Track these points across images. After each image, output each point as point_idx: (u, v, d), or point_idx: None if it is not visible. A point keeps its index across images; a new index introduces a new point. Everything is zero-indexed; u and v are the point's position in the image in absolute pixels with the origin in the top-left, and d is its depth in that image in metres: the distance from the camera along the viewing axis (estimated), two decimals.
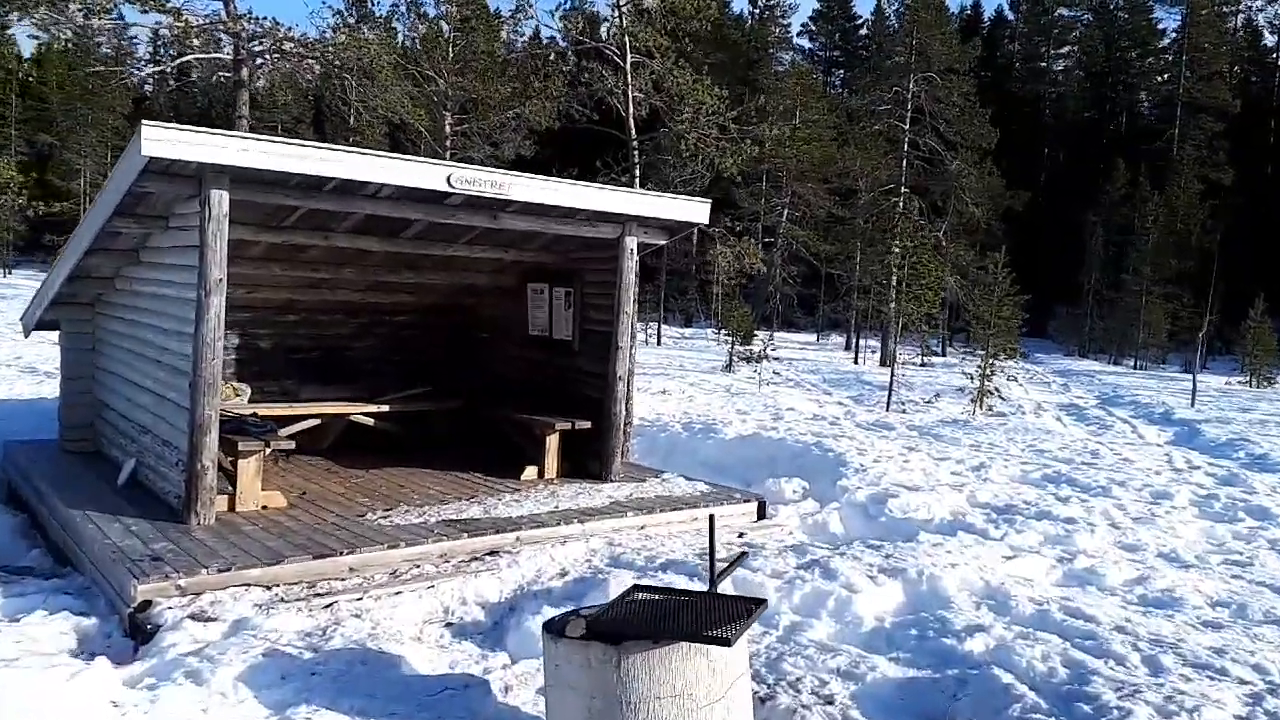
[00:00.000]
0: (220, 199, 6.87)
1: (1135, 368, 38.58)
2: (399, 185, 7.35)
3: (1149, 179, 47.05)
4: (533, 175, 8.03)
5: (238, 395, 9.92)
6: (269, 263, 8.97)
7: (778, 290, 40.82)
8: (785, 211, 39.11)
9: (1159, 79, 61.20)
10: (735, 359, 23.14)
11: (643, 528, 7.99)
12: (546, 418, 9.37)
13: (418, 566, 6.73)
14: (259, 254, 8.85)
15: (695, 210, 9.10)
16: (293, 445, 7.63)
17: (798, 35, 68.07)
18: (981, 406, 18.25)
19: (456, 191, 7.56)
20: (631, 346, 9.49)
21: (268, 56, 17.19)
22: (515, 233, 9.14)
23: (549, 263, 10.06)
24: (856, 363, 31.56)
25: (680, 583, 6.24)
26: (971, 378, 18.50)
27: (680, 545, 7.54)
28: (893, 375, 18.78)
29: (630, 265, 9.22)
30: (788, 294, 41.70)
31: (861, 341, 33.77)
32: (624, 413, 9.38)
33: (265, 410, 9.31)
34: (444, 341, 11.65)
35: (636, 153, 18.46)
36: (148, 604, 5.74)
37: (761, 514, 8.76)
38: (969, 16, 66.79)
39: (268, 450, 7.53)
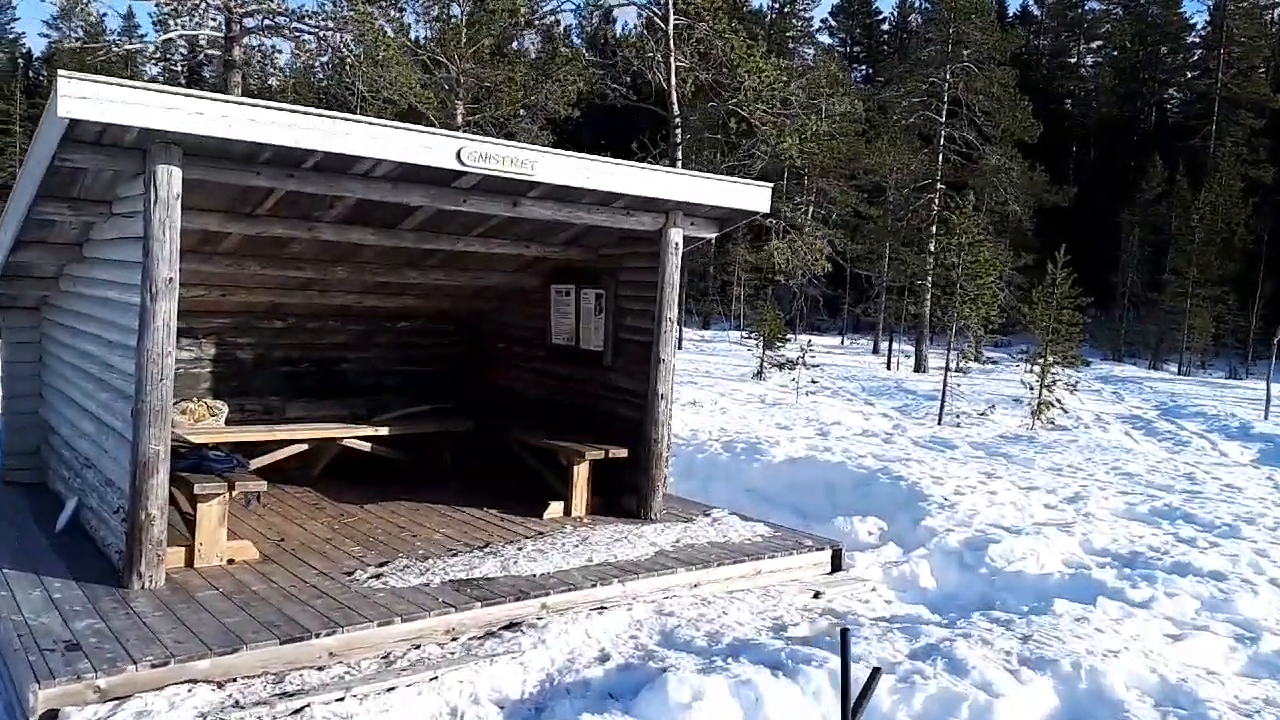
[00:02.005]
0: (169, 177, 5.41)
1: (1180, 373, 36.82)
2: (398, 162, 5.88)
3: (1187, 177, 45.19)
4: (561, 151, 6.54)
5: (213, 415, 8.47)
6: (245, 259, 7.50)
7: (803, 291, 39.24)
8: (810, 209, 37.51)
9: (1190, 74, 59.29)
10: (766, 365, 21.60)
11: (696, 586, 6.48)
12: (574, 444, 7.88)
13: (417, 648, 5.24)
14: (232, 248, 7.38)
15: (753, 196, 7.58)
16: (264, 486, 6.15)
17: (818, 31, 66.38)
18: (1041, 419, 16.67)
19: (469, 170, 6.08)
20: (674, 359, 7.99)
21: (261, 33, 15.78)
22: (539, 223, 7.66)
23: (577, 260, 8.57)
24: (889, 368, 29.96)
25: (763, 679, 4.72)
26: (1031, 387, 16.91)
27: (747, 613, 6.03)
28: (945, 385, 17.22)
29: (674, 263, 7.73)
30: (813, 295, 40.12)
31: (894, 345, 32.13)
32: (666, 438, 7.88)
33: (239, 435, 7.86)
34: (454, 353, 10.17)
35: (679, 131, 16.67)
36: (53, 715, 4.27)
37: (836, 564, 7.24)
38: (994, 11, 64.88)
39: (233, 493, 6.05)
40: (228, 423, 8.50)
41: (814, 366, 19.47)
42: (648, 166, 7.08)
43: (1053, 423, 16.66)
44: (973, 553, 7.48)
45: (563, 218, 7.15)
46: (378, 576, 5.96)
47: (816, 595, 6.62)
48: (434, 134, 5.97)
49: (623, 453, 7.84)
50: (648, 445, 7.76)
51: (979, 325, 18.58)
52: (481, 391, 9.87)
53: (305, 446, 8.26)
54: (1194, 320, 37.34)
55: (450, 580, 5.93)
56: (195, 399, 8.54)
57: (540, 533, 7.21)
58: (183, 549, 6.04)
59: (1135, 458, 13.28)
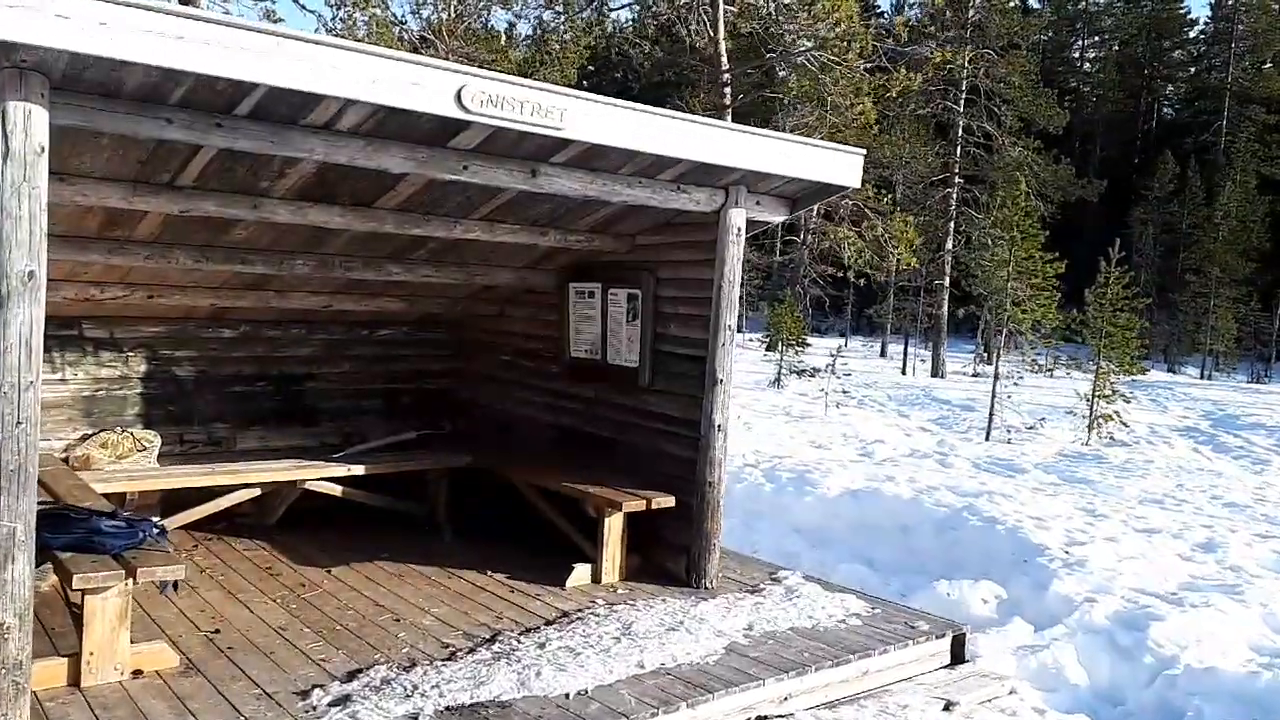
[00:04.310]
0: (26, 120, 3.61)
1: (1203, 376, 35.27)
2: (373, 104, 4.09)
3: (1199, 174, 43.73)
4: (600, 97, 4.74)
5: (141, 449, 6.67)
6: (172, 249, 5.67)
7: (805, 292, 37.44)
8: (816, 206, 35.73)
9: (1192, 70, 57.92)
10: (785, 372, 19.83)
11: (786, 699, 4.69)
12: (606, 490, 6.08)
13: None
14: (152, 234, 5.55)
15: (841, 166, 5.80)
16: (181, 572, 4.31)
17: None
18: (1099, 433, 14.96)
19: (473, 119, 4.29)
20: (732, 379, 6.20)
21: None
22: (562, 202, 5.86)
23: (605, 252, 6.77)
24: (905, 373, 28.28)
25: None
26: (1088, 398, 15.21)
27: None
28: (994, 396, 15.48)
29: (735, 254, 5.96)
30: (816, 295, 38.33)
31: (908, 349, 30.44)
32: (723, 480, 6.09)
33: (166, 479, 6.07)
34: (446, 369, 8.36)
35: (728, 92, 14.55)
36: None
37: (958, 654, 5.47)
38: None
39: (134, 582, 4.21)
40: (161, 458, 6.72)
41: (847, 375, 17.74)
42: (709, 121, 5.28)
43: (1113, 438, 14.96)
44: (1129, 633, 5.72)
45: (594, 193, 5.35)
46: (343, 701, 4.15)
47: (948, 707, 4.85)
48: (424, 64, 4.16)
49: (668, 501, 6.05)
50: (701, 491, 5.97)
51: (1029, 330, 16.82)
52: (480, 417, 8.08)
53: (257, 491, 6.45)
54: (1216, 321, 35.73)
55: (448, 707, 4.12)
56: (119, 429, 6.75)
57: (564, 613, 5.41)
58: (66, 660, 4.23)
59: (1230, 482, 11.59)
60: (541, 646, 4.80)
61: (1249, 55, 50.68)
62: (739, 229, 5.91)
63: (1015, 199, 17.17)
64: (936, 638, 5.37)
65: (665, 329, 6.47)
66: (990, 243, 24.03)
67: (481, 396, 8.14)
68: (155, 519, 5.01)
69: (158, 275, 6.13)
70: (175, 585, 4.40)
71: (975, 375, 28.87)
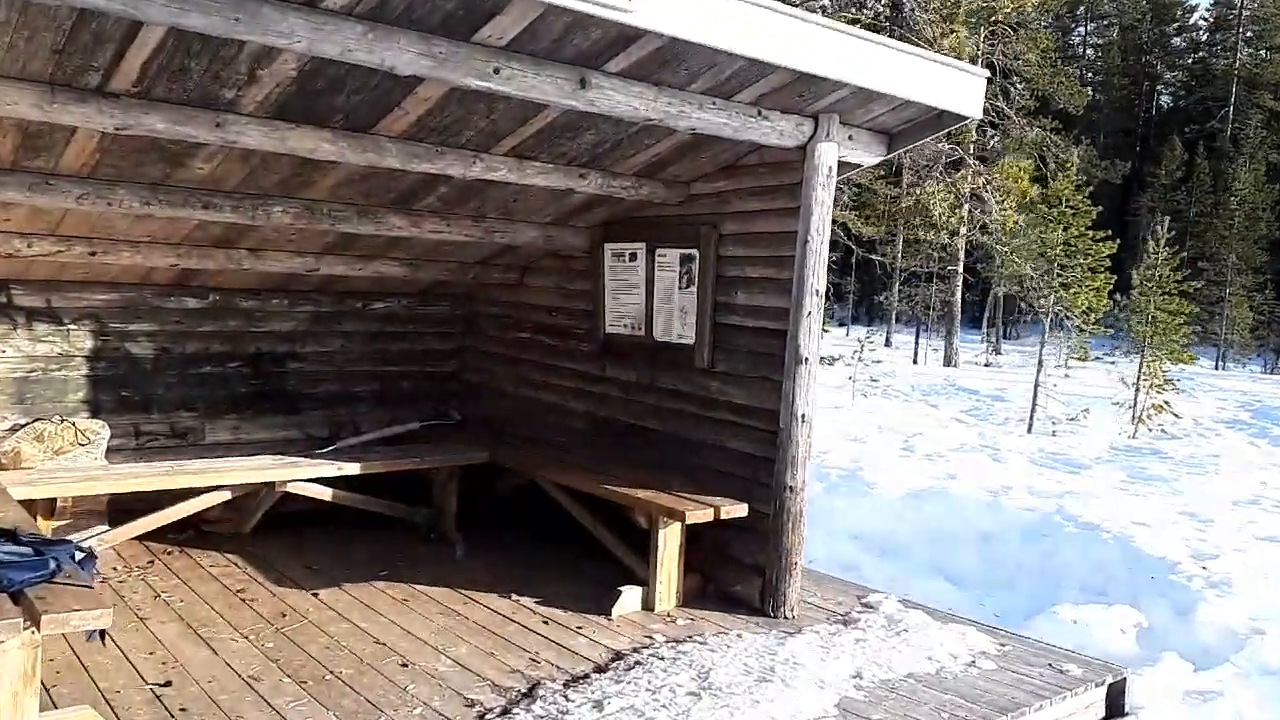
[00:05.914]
0: None
1: (1217, 366, 34.28)
2: None
3: (1206, 161, 42.77)
4: None
5: (85, 443, 5.48)
6: (113, 187, 4.44)
7: None
8: None
9: (1190, 60, 57.00)
10: None
11: None
12: (662, 496, 4.90)
13: None
14: (87, 165, 4.32)
15: (963, 88, 4.61)
16: (107, 619, 3.09)
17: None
18: (1149, 425, 13.86)
19: None
20: (818, 359, 5.00)
21: None
22: (609, 133, 4.65)
23: (652, 203, 5.55)
24: (916, 362, 27.19)
25: None
26: (1138, 388, 14.12)
27: None
28: (1038, 386, 14.34)
29: (825, 200, 4.79)
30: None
31: (920, 338, 29.38)
32: (806, 484, 4.91)
33: (112, 482, 4.85)
34: (454, 348, 7.16)
35: None
36: None
37: (1115, 705, 4.30)
38: None
39: (38, 632, 3.00)
40: (111, 454, 5.54)
41: (877, 363, 16.62)
42: (809, 17, 4.06)
43: (1164, 430, 13.86)
44: None
45: (656, 115, 4.14)
46: None
47: None
48: None
49: (740, 510, 4.87)
50: (779, 498, 4.79)
51: (1078, 316, 15.57)
52: (494, 405, 6.87)
53: (228, 495, 5.24)
54: (1232, 310, 34.75)
55: None
56: (58, 418, 5.54)
57: (618, 654, 4.23)
58: None
59: None
60: (599, 707, 3.62)
61: (1255, 41, 49.70)
62: (830, 168, 4.72)
63: (1067, 175, 15.97)
64: (1094, 686, 4.20)
65: (730, 297, 5.28)
66: (1005, 226, 22.98)
67: (496, 381, 6.93)
68: (84, 537, 3.82)
69: (100, 225, 4.91)
70: (103, 634, 3.23)
71: (987, 365, 27.82)
